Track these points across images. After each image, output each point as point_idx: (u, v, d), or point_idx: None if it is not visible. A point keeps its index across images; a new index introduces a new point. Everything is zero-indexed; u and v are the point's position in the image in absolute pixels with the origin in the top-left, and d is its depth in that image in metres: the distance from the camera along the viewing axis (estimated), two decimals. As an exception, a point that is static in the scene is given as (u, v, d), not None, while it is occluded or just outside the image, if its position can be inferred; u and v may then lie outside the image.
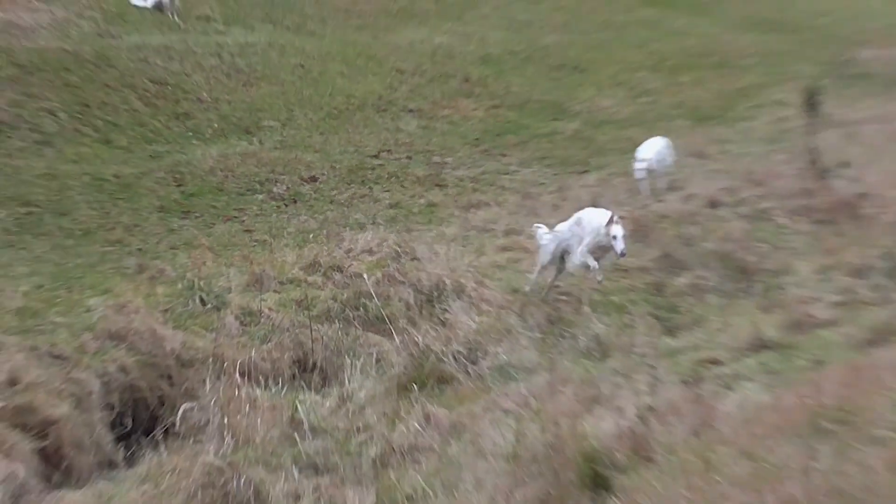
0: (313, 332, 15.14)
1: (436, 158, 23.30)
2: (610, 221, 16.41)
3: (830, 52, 33.46)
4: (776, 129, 26.04)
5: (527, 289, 16.99)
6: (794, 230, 19.54)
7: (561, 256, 17.23)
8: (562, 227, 17.23)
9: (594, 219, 16.72)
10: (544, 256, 17.23)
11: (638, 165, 20.81)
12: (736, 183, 21.66)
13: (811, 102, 21.37)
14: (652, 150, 21.26)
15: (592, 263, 16.62)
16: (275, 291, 16.29)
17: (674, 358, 14.28)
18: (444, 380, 14.31)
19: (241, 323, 15.31)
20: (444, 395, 13.77)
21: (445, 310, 16.16)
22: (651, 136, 24.53)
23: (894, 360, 11.19)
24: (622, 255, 16.39)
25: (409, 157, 23.24)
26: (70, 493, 11.51)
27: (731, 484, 8.57)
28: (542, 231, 17.32)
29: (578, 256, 16.78)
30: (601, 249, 16.65)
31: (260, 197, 20.66)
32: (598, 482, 9.23)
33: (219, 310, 15.42)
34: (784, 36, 35.24)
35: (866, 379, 10.39)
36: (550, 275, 17.46)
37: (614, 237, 16.16)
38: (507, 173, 22.68)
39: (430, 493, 10.24)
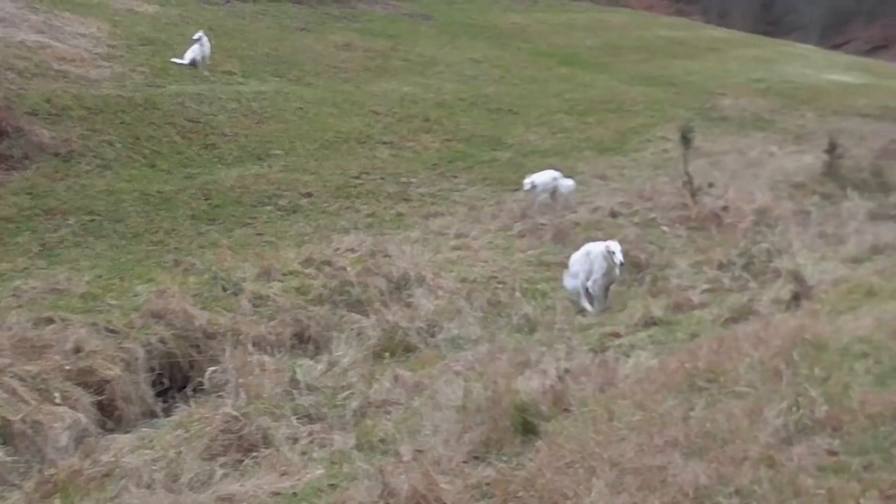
0: (308, 312, 15.08)
1: (403, 179, 23.12)
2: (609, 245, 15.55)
3: (699, 100, 33.53)
4: (660, 158, 26.03)
5: (589, 309, 15.77)
6: (675, 235, 19.56)
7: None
8: (574, 258, 16.19)
9: (599, 248, 15.71)
10: (575, 289, 15.98)
11: (525, 183, 20.69)
12: (630, 199, 21.65)
13: (685, 138, 21.35)
14: (541, 177, 21.06)
15: (589, 308, 15.61)
16: (279, 281, 16.18)
17: (585, 332, 14.21)
18: (409, 349, 14.30)
19: (254, 305, 15.23)
20: (409, 360, 13.72)
21: (410, 295, 16.05)
22: (566, 163, 24.52)
23: (750, 332, 11.15)
24: (622, 264, 15.43)
25: (382, 178, 23.05)
26: (121, 436, 11.56)
27: (629, 429, 8.51)
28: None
29: (592, 286, 15.66)
30: (611, 273, 15.59)
31: (268, 208, 20.47)
32: (528, 428, 9.16)
33: (236, 295, 15.34)
34: (665, 88, 35.27)
35: (729, 347, 10.36)
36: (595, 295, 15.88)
37: (613, 252, 15.29)
38: (457, 191, 22.53)
39: (398, 436, 10.13)
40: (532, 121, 29.30)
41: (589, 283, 15.69)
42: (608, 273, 15.53)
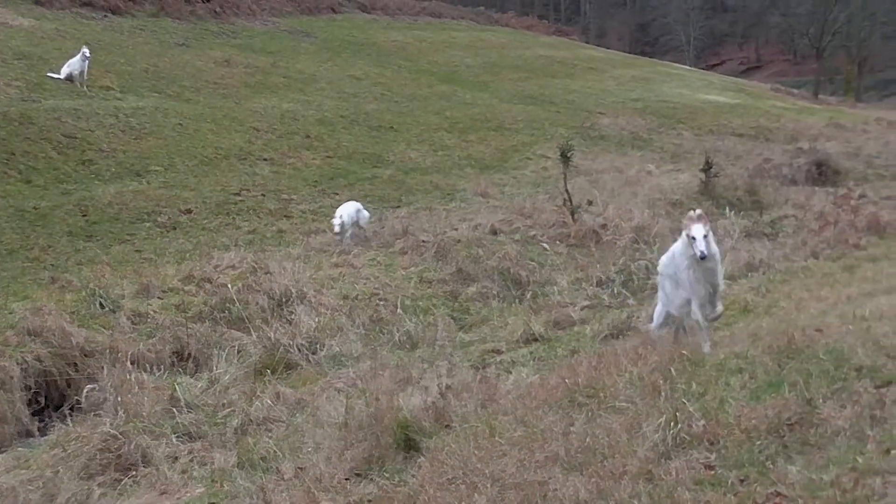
0: (188, 330, 14.90)
1: (284, 196, 23.00)
2: (690, 222, 10.55)
3: (578, 119, 33.96)
4: (540, 176, 26.30)
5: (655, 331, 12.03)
6: (555, 252, 19.73)
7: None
8: (663, 260, 11.55)
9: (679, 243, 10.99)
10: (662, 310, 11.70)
11: (335, 221, 20.06)
12: (511, 216, 21.76)
13: (564, 156, 21.59)
14: (346, 209, 20.58)
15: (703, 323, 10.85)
16: (158, 298, 15.97)
17: (466, 348, 14.31)
18: (290, 366, 14.21)
19: (132, 322, 15.04)
20: (291, 378, 13.66)
21: (291, 312, 15.96)
22: (447, 180, 24.62)
23: (628, 348, 11.27)
24: (702, 256, 10.35)
25: (263, 195, 22.91)
26: (-5, 456, 11.29)
27: (510, 444, 8.55)
28: None
29: (695, 311, 10.82)
30: (706, 287, 10.81)
31: (147, 224, 20.22)
32: (410, 444, 9.20)
33: (114, 312, 15.12)
34: (544, 106, 35.66)
35: (608, 363, 10.44)
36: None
37: (693, 238, 10.45)
38: (338, 208, 22.51)
39: (279, 454, 10.08)
40: (413, 138, 29.41)
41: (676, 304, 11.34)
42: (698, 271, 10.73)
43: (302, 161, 25.87)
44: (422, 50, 43.77)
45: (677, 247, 11.00)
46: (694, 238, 10.43)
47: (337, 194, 23.53)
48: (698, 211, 10.76)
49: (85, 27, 34.56)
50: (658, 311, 11.87)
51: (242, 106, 29.71)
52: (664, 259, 11.54)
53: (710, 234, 10.57)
